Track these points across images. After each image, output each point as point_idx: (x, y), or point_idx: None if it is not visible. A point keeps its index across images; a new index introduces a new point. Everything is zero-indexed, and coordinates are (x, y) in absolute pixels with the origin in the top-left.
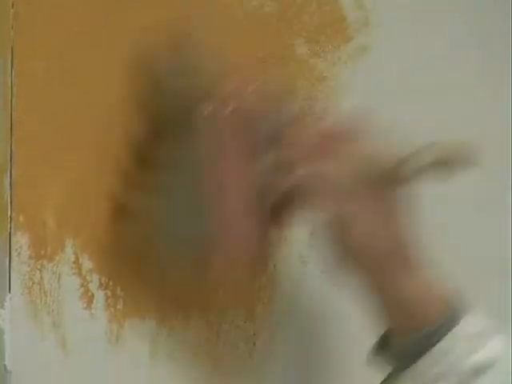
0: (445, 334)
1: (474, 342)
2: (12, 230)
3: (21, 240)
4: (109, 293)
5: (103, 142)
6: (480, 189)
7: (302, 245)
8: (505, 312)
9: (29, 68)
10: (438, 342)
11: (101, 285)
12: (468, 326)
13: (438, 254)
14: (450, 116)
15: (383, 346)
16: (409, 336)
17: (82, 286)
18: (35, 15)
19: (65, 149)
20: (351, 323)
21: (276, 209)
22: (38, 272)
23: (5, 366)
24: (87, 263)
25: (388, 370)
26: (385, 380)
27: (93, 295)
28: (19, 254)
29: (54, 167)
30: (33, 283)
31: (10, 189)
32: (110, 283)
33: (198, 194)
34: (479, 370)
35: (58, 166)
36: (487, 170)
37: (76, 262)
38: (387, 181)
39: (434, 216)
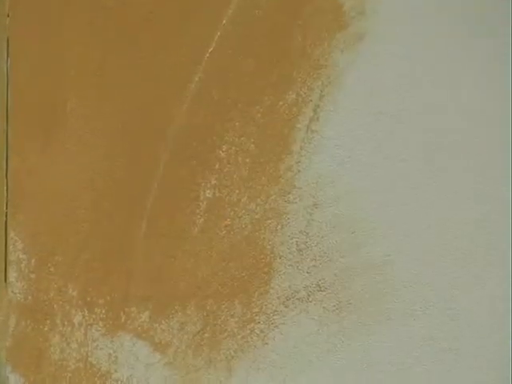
0: None
1: None
2: None
3: None
4: None
5: (96, 125)
6: (480, 188)
7: (298, 233)
8: (505, 311)
9: (24, 56)
10: None
11: None
12: None
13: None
14: (448, 103)
15: None
16: None
17: None
18: (30, 3)
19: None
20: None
21: None
22: None
23: None
24: None
25: None
26: None
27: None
28: None
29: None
30: None
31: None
32: None
33: None
34: None
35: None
36: (487, 169)
37: None
38: None
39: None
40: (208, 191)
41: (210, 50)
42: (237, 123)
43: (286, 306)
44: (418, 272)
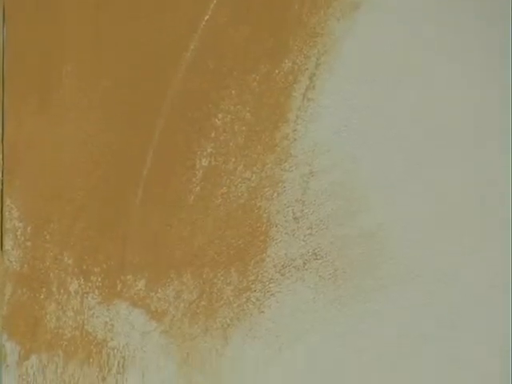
0: None
1: None
2: None
3: None
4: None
5: (91, 91)
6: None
7: (294, 201)
8: (504, 278)
9: (20, 20)
10: None
11: None
12: None
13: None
14: (446, 72)
15: None
16: None
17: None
18: None
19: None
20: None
21: None
22: None
23: None
24: None
25: None
26: None
27: None
28: None
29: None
30: None
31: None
32: None
33: None
34: None
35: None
36: (486, 135)
37: None
38: None
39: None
40: (204, 159)
41: (205, 18)
42: (233, 91)
43: (282, 275)
44: (415, 239)
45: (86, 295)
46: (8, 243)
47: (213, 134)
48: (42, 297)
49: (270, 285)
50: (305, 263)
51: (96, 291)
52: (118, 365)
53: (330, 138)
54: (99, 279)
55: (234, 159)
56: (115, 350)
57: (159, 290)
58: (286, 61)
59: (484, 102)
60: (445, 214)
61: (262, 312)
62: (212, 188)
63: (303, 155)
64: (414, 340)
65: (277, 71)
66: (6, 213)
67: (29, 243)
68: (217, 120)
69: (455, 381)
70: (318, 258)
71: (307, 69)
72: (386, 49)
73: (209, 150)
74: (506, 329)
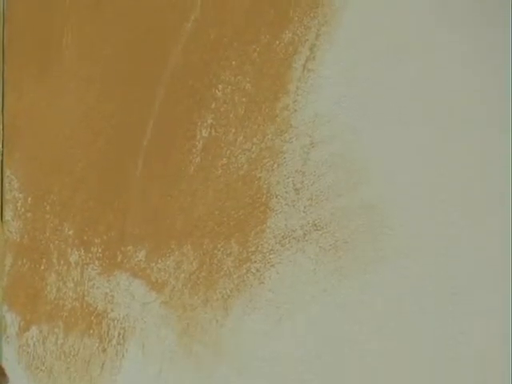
0: None
1: None
2: None
3: None
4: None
5: (91, 62)
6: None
7: (295, 172)
8: (504, 251)
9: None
10: None
11: None
12: None
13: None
14: (448, 43)
15: None
16: None
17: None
18: None
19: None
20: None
21: None
22: None
23: None
24: None
25: None
26: None
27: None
28: None
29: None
30: None
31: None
32: None
33: None
34: None
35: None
36: (487, 108)
37: None
38: None
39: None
40: (204, 130)
41: None
42: (233, 62)
43: (282, 245)
44: (416, 211)
45: (86, 266)
46: (8, 214)
47: (213, 105)
48: (42, 268)
49: (270, 256)
50: (305, 234)
51: (96, 262)
52: (119, 336)
53: (330, 109)
54: (99, 250)
55: (234, 130)
56: (115, 321)
57: (159, 261)
58: (287, 32)
59: (485, 75)
60: (445, 186)
61: (262, 283)
62: (212, 159)
63: (303, 126)
64: (414, 311)
65: (277, 42)
66: (6, 184)
67: (29, 214)
68: (217, 91)
69: (454, 352)
70: (319, 228)
71: (307, 40)
72: (387, 19)
73: (209, 121)
74: (505, 301)
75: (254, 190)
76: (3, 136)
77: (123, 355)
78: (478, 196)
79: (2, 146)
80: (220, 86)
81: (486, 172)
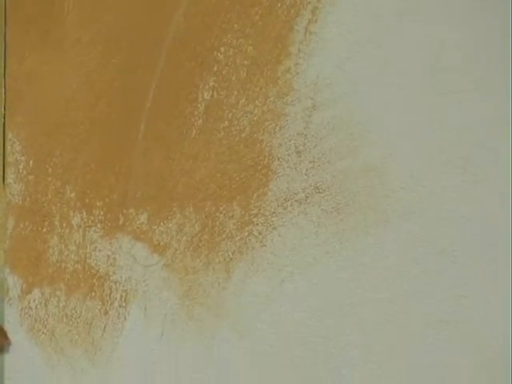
0: None
1: None
2: None
3: None
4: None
5: (93, 26)
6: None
7: (297, 135)
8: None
9: None
10: None
11: None
12: None
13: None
14: (450, 7)
15: None
16: None
17: None
18: None
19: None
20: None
21: None
22: None
23: None
24: None
25: None
26: None
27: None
28: None
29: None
30: None
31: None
32: None
33: None
34: None
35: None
36: (489, 70)
37: None
38: None
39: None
40: (206, 93)
41: None
42: (235, 25)
43: (284, 208)
44: (417, 174)
45: (88, 229)
46: (10, 177)
47: (215, 68)
48: (44, 230)
49: (272, 218)
50: (307, 197)
51: (98, 225)
52: (121, 298)
53: (331, 72)
54: (101, 213)
55: (236, 93)
56: (117, 284)
57: (161, 224)
58: None
59: (487, 36)
60: (446, 149)
61: (265, 246)
62: (214, 121)
63: (305, 89)
64: (415, 273)
65: (279, 5)
66: (9, 147)
67: (31, 177)
68: (219, 54)
69: (455, 315)
70: (320, 191)
71: (309, 2)
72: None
73: (211, 84)
74: (506, 262)
75: (256, 153)
76: (5, 99)
77: (125, 317)
78: (479, 158)
79: (4, 110)
80: (222, 49)
81: (486, 134)
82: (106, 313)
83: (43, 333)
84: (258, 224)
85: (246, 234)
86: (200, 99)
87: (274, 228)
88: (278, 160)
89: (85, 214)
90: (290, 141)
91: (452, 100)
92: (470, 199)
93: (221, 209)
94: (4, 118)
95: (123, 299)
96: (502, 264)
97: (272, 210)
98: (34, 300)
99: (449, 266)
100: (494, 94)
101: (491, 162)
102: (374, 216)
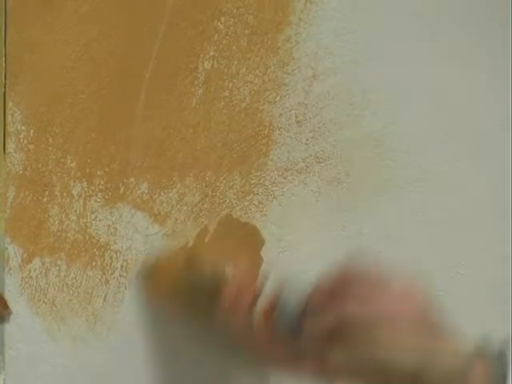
0: None
1: None
2: None
3: None
4: None
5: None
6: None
7: (297, 105)
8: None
9: None
10: None
11: None
12: None
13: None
14: None
15: None
16: None
17: None
18: None
19: None
20: None
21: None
22: None
23: None
24: None
25: None
26: None
27: None
28: None
29: None
30: None
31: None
32: None
33: None
34: None
35: None
36: (490, 40)
37: None
38: None
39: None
40: (206, 62)
41: None
42: None
43: (284, 178)
44: (418, 144)
45: (88, 198)
46: (11, 146)
47: (215, 37)
48: (44, 200)
49: (273, 188)
50: (307, 166)
51: (99, 194)
52: (121, 268)
53: (332, 41)
54: (102, 182)
55: (236, 62)
56: (118, 253)
57: (162, 193)
58: None
59: (488, 4)
60: (447, 118)
61: (265, 215)
62: (215, 91)
63: (306, 58)
64: (416, 243)
65: None
66: (9, 116)
67: (31, 146)
68: (219, 23)
69: (455, 283)
70: (321, 161)
71: None
72: None
73: (211, 53)
74: (506, 232)
75: (256, 123)
76: (6, 68)
77: (126, 287)
78: (481, 127)
79: (5, 79)
80: (222, 19)
81: (488, 103)
82: (107, 282)
83: (44, 302)
84: (258, 194)
85: (247, 203)
86: (200, 69)
87: (275, 198)
88: (279, 130)
89: (85, 183)
90: (290, 110)
91: (454, 68)
92: (472, 169)
93: (221, 178)
94: (4, 87)
95: (124, 269)
96: (502, 233)
97: (272, 180)
98: (35, 269)
99: (449, 235)
100: (497, 62)
101: (493, 132)
102: (375, 185)
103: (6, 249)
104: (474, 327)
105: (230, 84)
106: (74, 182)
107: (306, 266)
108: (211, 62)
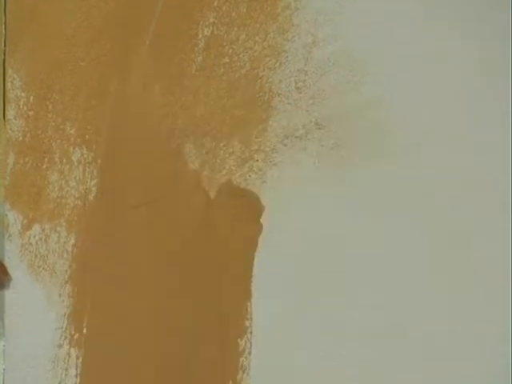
0: None
1: None
2: None
3: None
4: None
5: None
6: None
7: (297, 71)
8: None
9: None
10: None
11: None
12: None
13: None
14: None
15: None
16: None
17: None
18: None
19: None
20: None
21: None
22: None
23: None
24: None
25: None
26: None
27: None
28: None
29: None
30: None
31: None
32: None
33: None
34: None
35: None
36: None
37: None
38: None
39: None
40: (206, 29)
41: None
42: None
43: (284, 145)
44: (417, 111)
45: (88, 165)
46: (10, 113)
47: (215, 3)
48: (44, 166)
49: (273, 154)
50: (307, 133)
51: (98, 161)
52: None
53: (332, 7)
54: (102, 149)
55: (236, 28)
56: None
57: None
58: None
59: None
60: (447, 85)
61: (265, 182)
62: (214, 57)
63: (305, 24)
64: (415, 209)
65: None
66: (9, 83)
67: (31, 113)
68: None
69: (454, 253)
70: (320, 127)
71: None
72: None
73: (211, 20)
74: (506, 197)
75: (256, 89)
76: (5, 35)
77: None
78: (480, 95)
79: (5, 46)
80: None
81: (487, 69)
82: None
83: (44, 269)
84: (258, 160)
85: (247, 169)
86: (200, 35)
87: (274, 164)
88: (279, 96)
89: (85, 149)
90: (290, 77)
91: (453, 34)
92: (471, 135)
93: (221, 145)
94: (4, 54)
95: None
96: (503, 197)
97: (272, 146)
98: (35, 236)
99: (449, 201)
100: (496, 30)
101: (493, 97)
102: (375, 151)
103: (6, 215)
104: None
105: (230, 50)
106: (74, 148)
107: (304, 232)
108: (211, 28)
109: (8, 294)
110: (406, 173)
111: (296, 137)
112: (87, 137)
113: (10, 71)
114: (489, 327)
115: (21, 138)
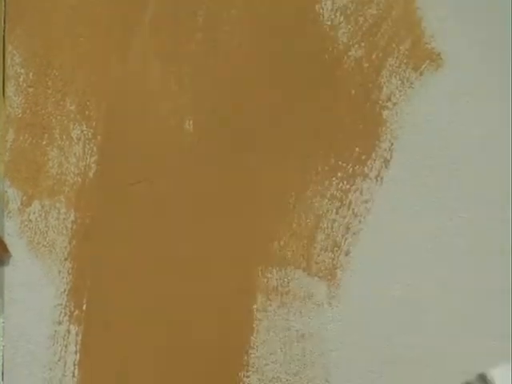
0: None
1: None
2: None
3: None
4: None
5: None
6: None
7: None
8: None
9: None
10: None
11: None
12: None
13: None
14: None
15: None
16: None
17: None
18: None
19: None
20: None
21: None
22: None
23: None
24: None
25: None
26: None
27: None
28: None
29: None
30: None
31: None
32: None
33: None
34: None
35: None
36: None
37: None
38: None
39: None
40: (205, 6)
41: None
42: None
43: None
44: None
45: (88, 141)
46: (10, 90)
47: None
48: (44, 143)
49: None
50: None
51: (98, 137)
52: None
53: None
54: (101, 125)
55: (234, 8)
56: None
57: None
58: None
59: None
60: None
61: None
62: (213, 36)
63: None
64: (414, 192)
65: None
66: (9, 59)
67: (31, 89)
68: None
69: (456, 227)
70: None
71: None
72: None
73: None
74: (506, 182)
75: None
76: (5, 11)
77: None
78: (480, 76)
79: (4, 22)
80: None
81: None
82: None
83: (43, 245)
84: None
85: None
86: (199, 13)
87: None
88: None
89: (85, 126)
90: None
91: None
92: (471, 114)
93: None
94: (4, 31)
95: None
96: (503, 180)
97: None
98: (34, 212)
99: (448, 180)
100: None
101: (492, 79)
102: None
103: (6, 192)
104: None
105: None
106: (74, 124)
107: None
108: (209, 5)
109: (7, 270)
110: (406, 155)
111: None
112: (87, 113)
113: (9, 47)
114: None
115: (20, 115)
